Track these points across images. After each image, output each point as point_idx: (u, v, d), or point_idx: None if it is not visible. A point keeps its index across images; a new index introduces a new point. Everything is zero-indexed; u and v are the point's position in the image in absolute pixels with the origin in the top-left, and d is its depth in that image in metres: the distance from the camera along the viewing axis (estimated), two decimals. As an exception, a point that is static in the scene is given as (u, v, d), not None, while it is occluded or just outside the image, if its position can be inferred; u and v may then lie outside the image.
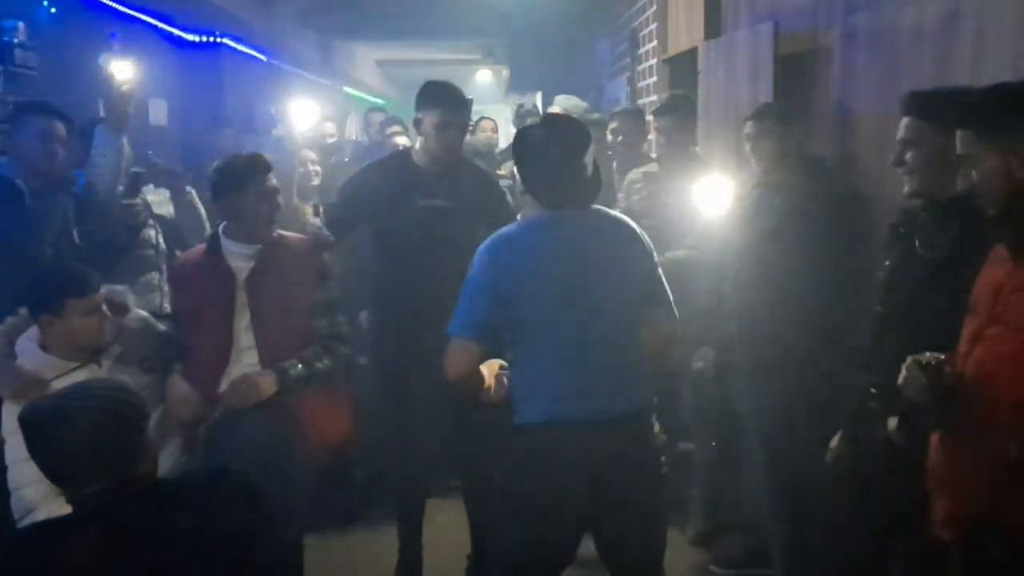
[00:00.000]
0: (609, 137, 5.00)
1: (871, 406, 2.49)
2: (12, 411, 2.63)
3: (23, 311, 2.88)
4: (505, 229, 2.68)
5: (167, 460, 2.98)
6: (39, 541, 1.89)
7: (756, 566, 3.66)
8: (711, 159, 4.24)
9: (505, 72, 12.44)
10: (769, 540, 3.51)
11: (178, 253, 3.97)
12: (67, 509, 1.95)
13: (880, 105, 3.14)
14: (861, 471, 2.59)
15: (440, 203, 3.42)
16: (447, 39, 11.06)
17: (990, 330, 1.95)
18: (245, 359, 3.06)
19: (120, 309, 2.98)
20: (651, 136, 5.25)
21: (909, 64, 3.01)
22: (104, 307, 2.86)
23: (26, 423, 1.89)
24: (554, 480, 2.52)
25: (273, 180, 3.11)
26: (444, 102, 3.41)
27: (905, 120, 2.44)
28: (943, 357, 1.98)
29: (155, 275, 4.05)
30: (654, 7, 6.25)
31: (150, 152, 4.07)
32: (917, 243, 2.44)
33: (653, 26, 6.31)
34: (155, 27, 7.01)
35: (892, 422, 2.35)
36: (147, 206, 3.91)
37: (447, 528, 3.87)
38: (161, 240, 4.12)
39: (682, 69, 5.36)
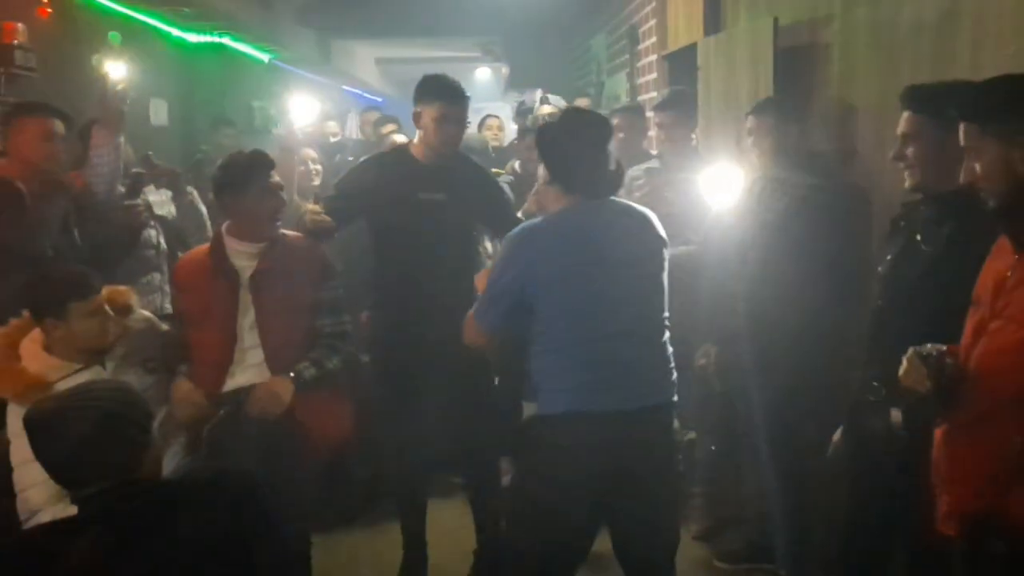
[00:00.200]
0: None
1: (871, 398, 2.50)
2: (17, 413, 2.63)
3: (26, 313, 2.89)
4: (531, 221, 2.73)
5: (171, 460, 2.98)
6: (44, 543, 1.90)
7: (759, 560, 3.67)
8: (711, 154, 4.24)
9: (504, 70, 12.44)
10: (772, 535, 3.51)
11: (179, 254, 3.97)
12: (72, 511, 1.96)
13: (880, 99, 3.14)
14: (861, 464, 2.59)
15: (438, 197, 3.42)
16: (446, 37, 11.05)
17: (993, 324, 1.95)
18: (249, 358, 3.06)
19: (123, 310, 2.99)
20: (651, 132, 5.25)
21: (908, 58, 3.01)
22: (107, 308, 2.87)
23: (31, 425, 1.90)
24: (575, 470, 2.55)
25: (276, 177, 3.12)
26: (443, 95, 3.41)
27: (904, 115, 2.44)
28: (944, 348, 1.99)
29: (156, 276, 4.05)
30: (653, 3, 6.24)
31: (150, 153, 4.06)
32: (918, 237, 2.44)
33: (652, 22, 6.30)
34: (155, 27, 7.01)
35: (896, 414, 2.35)
36: (148, 207, 3.92)
37: (450, 527, 3.87)
38: (162, 241, 4.12)
39: (682, 65, 5.35)
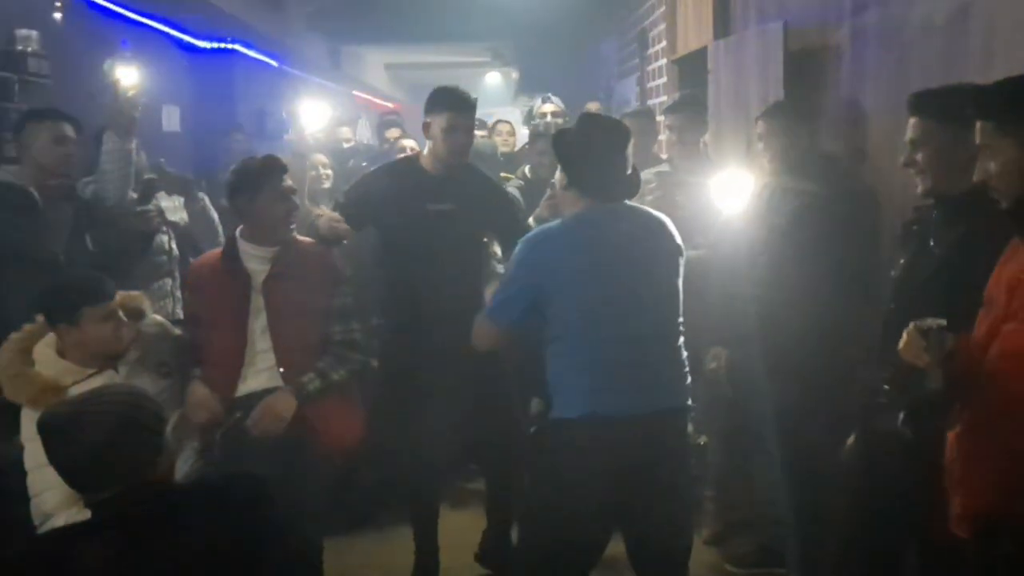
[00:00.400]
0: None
1: (882, 402, 2.49)
2: (31, 417, 2.65)
3: (40, 318, 2.90)
4: (548, 225, 2.75)
5: (184, 464, 2.99)
6: (59, 547, 1.91)
7: (770, 565, 3.66)
8: (722, 159, 4.24)
9: (514, 74, 12.45)
10: (783, 539, 3.50)
11: (191, 260, 3.98)
12: (86, 515, 1.97)
13: (891, 102, 3.13)
14: (873, 467, 2.59)
15: (447, 207, 3.44)
16: (456, 42, 11.06)
17: (1007, 326, 1.94)
18: (260, 362, 3.08)
19: (136, 314, 3.00)
20: (662, 137, 5.25)
21: (919, 61, 3.00)
22: (120, 313, 2.88)
23: (45, 429, 1.91)
24: (590, 474, 2.55)
25: (289, 181, 3.14)
26: (451, 105, 3.43)
27: (912, 121, 2.44)
28: (944, 323, 1.98)
29: (168, 281, 4.07)
30: (663, 7, 6.24)
31: (162, 160, 4.09)
32: (931, 241, 2.43)
33: (662, 26, 6.30)
34: (167, 34, 7.04)
35: (900, 417, 2.36)
36: (160, 212, 3.93)
37: (461, 531, 3.87)
38: (174, 246, 4.14)
39: (691, 69, 5.35)
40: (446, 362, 3.32)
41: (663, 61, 6.29)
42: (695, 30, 5.41)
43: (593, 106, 6.64)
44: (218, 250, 3.29)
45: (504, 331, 2.77)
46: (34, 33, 4.67)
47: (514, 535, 3.58)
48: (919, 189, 2.46)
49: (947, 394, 2.01)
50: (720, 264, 3.63)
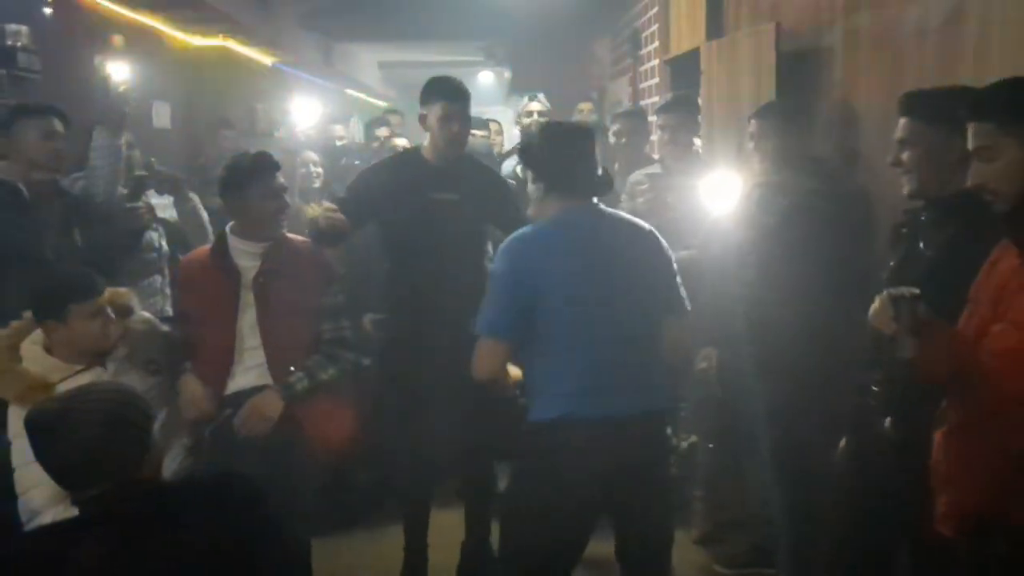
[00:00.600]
0: (611, 139, 5.01)
1: (872, 404, 2.50)
2: (18, 414, 2.64)
3: (27, 315, 2.89)
4: (525, 229, 2.72)
5: (172, 462, 2.98)
6: (46, 544, 1.89)
7: (760, 565, 3.66)
8: (714, 159, 4.24)
9: (507, 74, 12.43)
10: (773, 539, 3.50)
11: (180, 257, 3.97)
12: (72, 512, 1.96)
13: (883, 104, 3.13)
14: (864, 468, 2.59)
15: (450, 197, 3.44)
16: (449, 41, 11.05)
17: (995, 327, 1.94)
18: (250, 359, 3.07)
19: (124, 311, 2.99)
20: (653, 137, 5.26)
21: (912, 63, 3.01)
22: (108, 310, 2.87)
23: (32, 426, 1.90)
24: (569, 476, 2.54)
25: (280, 179, 3.13)
26: (445, 95, 3.44)
27: (902, 121, 2.44)
28: (917, 292, 1.98)
29: (158, 278, 4.05)
30: (656, 8, 6.25)
31: (153, 159, 4.08)
32: (921, 243, 2.44)
33: (655, 27, 6.31)
34: (158, 30, 7.01)
35: (887, 420, 2.37)
36: (150, 208, 3.92)
37: (450, 530, 3.86)
38: (164, 243, 4.12)
39: (684, 70, 5.35)
40: (448, 356, 3.32)
41: (656, 61, 6.29)
42: (688, 31, 5.41)
43: (585, 106, 6.65)
44: (208, 246, 3.28)
45: (509, 344, 2.63)
46: (24, 28, 4.64)
47: (493, 541, 3.61)
48: (905, 189, 2.47)
49: (903, 350, 2.00)
50: (710, 264, 3.64)
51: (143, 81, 3.71)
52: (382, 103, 13.63)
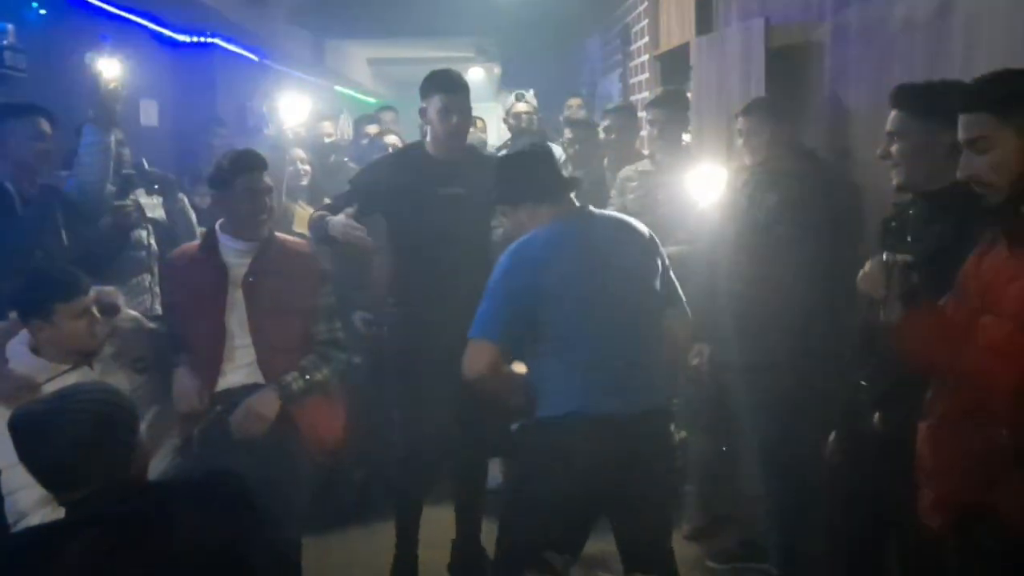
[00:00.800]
0: (602, 134, 5.01)
1: (861, 399, 2.50)
2: (3, 415, 2.61)
3: (13, 315, 2.87)
4: (525, 237, 2.77)
5: (162, 461, 2.97)
6: (33, 546, 1.88)
7: (752, 560, 3.67)
8: (704, 155, 4.24)
9: (497, 70, 12.42)
10: (765, 534, 3.51)
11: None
12: (60, 514, 1.94)
13: (872, 99, 3.14)
14: (852, 463, 2.59)
15: (456, 191, 3.44)
16: (439, 37, 11.02)
17: (984, 319, 1.94)
18: (240, 357, 3.06)
19: (111, 310, 2.97)
20: (644, 132, 5.26)
21: (901, 58, 3.01)
22: (94, 309, 2.85)
23: (17, 428, 1.88)
24: (577, 471, 2.58)
25: (266, 178, 3.12)
26: (443, 87, 3.44)
27: (892, 113, 2.44)
28: (909, 259, 1.99)
29: (147, 277, 4.03)
30: (645, 3, 6.24)
31: (144, 160, 4.06)
32: (909, 238, 2.43)
33: (645, 22, 6.30)
34: (146, 28, 6.97)
35: (876, 416, 2.37)
36: (139, 207, 3.90)
37: (441, 528, 3.85)
38: (153, 242, 4.10)
39: (674, 65, 5.35)
40: (452, 352, 3.32)
41: (646, 57, 6.29)
42: (677, 26, 5.41)
43: (575, 102, 6.65)
44: (196, 242, 3.27)
45: (501, 348, 2.65)
46: (10, 26, 4.61)
47: (483, 540, 3.61)
48: (893, 182, 2.47)
49: (890, 315, 2.01)
50: (701, 259, 3.64)
51: (130, 79, 3.68)
52: (372, 100, 13.60)
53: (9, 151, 3.43)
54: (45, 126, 3.47)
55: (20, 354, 2.83)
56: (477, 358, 2.65)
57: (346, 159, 5.78)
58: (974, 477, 1.91)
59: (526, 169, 2.87)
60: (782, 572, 3.43)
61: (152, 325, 3.17)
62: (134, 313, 3.16)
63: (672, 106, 4.33)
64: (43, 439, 1.84)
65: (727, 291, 3.46)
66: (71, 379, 2.68)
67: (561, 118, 6.44)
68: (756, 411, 3.42)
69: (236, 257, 3.10)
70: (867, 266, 2.07)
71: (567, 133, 5.25)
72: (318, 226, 3.46)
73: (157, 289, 3.93)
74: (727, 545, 3.81)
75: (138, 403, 2.89)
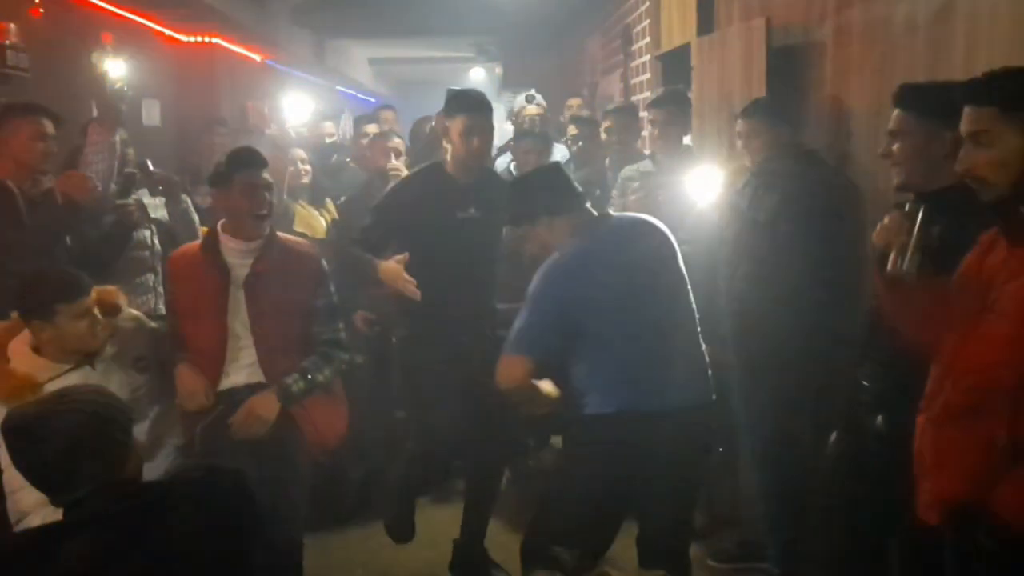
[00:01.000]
0: (603, 135, 5.02)
1: (863, 399, 2.50)
2: (4, 414, 2.62)
3: (15, 315, 2.88)
4: (557, 255, 2.84)
5: (164, 460, 2.98)
6: (34, 547, 1.88)
7: (752, 560, 3.66)
8: (704, 154, 4.24)
9: (498, 70, 12.43)
10: (765, 535, 3.51)
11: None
12: (61, 513, 1.94)
13: (874, 100, 3.14)
14: (854, 464, 2.59)
15: (473, 214, 3.47)
16: (440, 37, 11.04)
17: (982, 317, 1.94)
18: (243, 357, 3.07)
19: (112, 310, 2.98)
20: (645, 132, 5.26)
21: (902, 58, 3.01)
22: (96, 309, 2.85)
23: (10, 431, 1.88)
24: (622, 465, 2.72)
25: (265, 175, 3.11)
26: (467, 108, 3.45)
27: (895, 112, 2.44)
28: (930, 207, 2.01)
29: (150, 276, 4.03)
30: (647, 3, 6.24)
31: (148, 161, 4.07)
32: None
33: (646, 22, 6.30)
34: (148, 27, 6.98)
35: (879, 418, 2.37)
36: (142, 207, 3.91)
37: (443, 527, 3.86)
38: (157, 241, 4.10)
39: (675, 65, 5.35)
40: (466, 359, 3.37)
41: (647, 57, 6.29)
42: (679, 26, 5.41)
43: (575, 102, 6.65)
44: (198, 242, 3.27)
45: (536, 361, 2.76)
46: (12, 26, 4.62)
47: (486, 543, 3.62)
48: (894, 181, 2.48)
49: (912, 266, 2.02)
50: (701, 259, 3.64)
51: (133, 78, 3.69)
52: (372, 99, 13.61)
53: (11, 151, 3.43)
54: (48, 127, 3.47)
55: (22, 353, 2.83)
56: (512, 371, 2.77)
57: (347, 159, 5.78)
58: (972, 474, 1.92)
59: (538, 186, 2.96)
60: (782, 572, 3.43)
61: (154, 324, 3.17)
62: (135, 312, 3.16)
63: (673, 106, 4.33)
64: (40, 441, 1.84)
65: (727, 291, 3.46)
66: (73, 379, 2.70)
67: (562, 118, 6.45)
68: (757, 412, 3.42)
69: (238, 257, 3.11)
70: (885, 219, 2.08)
71: (571, 130, 5.26)
72: (360, 263, 3.45)
73: (161, 289, 3.94)
74: (728, 545, 3.81)
75: (140, 403, 2.93)
